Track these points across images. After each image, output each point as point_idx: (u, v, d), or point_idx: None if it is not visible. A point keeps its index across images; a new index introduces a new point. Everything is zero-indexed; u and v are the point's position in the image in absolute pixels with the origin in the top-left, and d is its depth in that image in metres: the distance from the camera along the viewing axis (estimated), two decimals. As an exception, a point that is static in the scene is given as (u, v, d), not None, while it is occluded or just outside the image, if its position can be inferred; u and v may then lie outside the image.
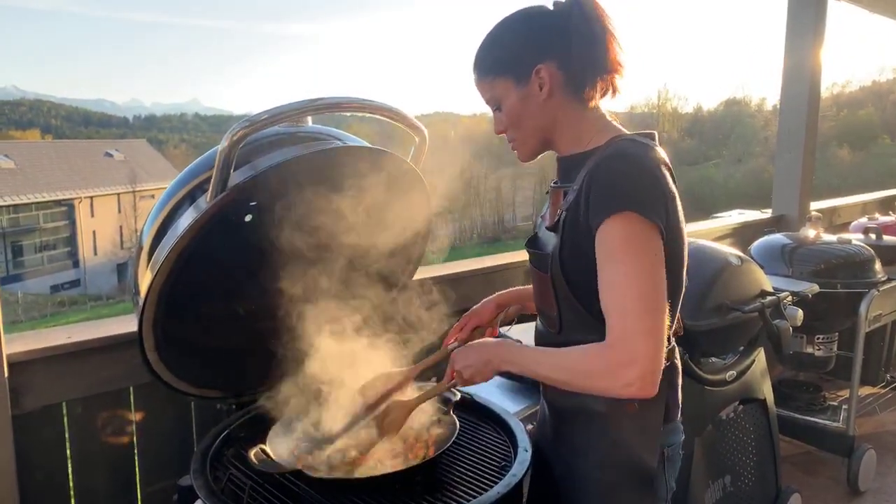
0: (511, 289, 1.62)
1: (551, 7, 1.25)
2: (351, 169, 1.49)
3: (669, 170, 1.20)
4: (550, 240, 1.26)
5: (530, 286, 1.57)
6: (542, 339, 1.36)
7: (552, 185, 1.35)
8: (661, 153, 1.21)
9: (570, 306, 1.23)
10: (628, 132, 1.26)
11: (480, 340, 1.34)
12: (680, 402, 1.33)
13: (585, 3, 1.22)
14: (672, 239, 1.15)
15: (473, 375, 1.28)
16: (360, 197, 1.54)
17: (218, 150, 1.29)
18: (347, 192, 1.52)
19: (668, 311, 1.12)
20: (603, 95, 1.27)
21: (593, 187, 1.14)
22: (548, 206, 1.37)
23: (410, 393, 1.48)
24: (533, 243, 1.36)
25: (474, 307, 1.59)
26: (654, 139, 1.25)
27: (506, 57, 1.25)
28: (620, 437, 1.24)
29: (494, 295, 1.59)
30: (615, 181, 1.13)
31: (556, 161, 1.34)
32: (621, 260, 1.09)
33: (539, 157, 1.34)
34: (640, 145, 1.19)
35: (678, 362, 1.33)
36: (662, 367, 1.09)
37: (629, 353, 1.06)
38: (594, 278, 1.14)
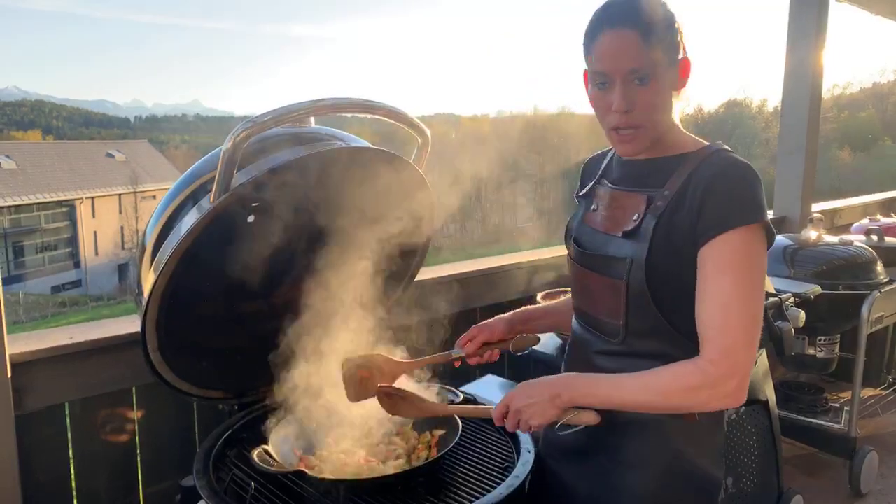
0: (522, 309, 1.57)
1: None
2: (353, 170, 1.49)
3: None
4: (623, 244, 1.20)
5: (539, 307, 1.56)
6: (589, 348, 1.30)
7: (612, 187, 1.29)
8: None
9: (645, 315, 1.18)
10: (706, 142, 1.24)
11: (540, 379, 1.22)
12: None
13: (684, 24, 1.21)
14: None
15: (535, 415, 1.17)
16: (363, 198, 1.54)
17: (221, 151, 1.29)
18: (349, 192, 1.52)
19: None
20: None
21: (713, 196, 1.11)
22: (593, 208, 1.32)
23: (407, 384, 1.46)
24: (581, 245, 1.31)
25: (485, 321, 1.52)
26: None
27: (670, 32, 1.16)
28: (684, 445, 1.20)
29: (507, 314, 1.53)
30: (741, 193, 1.12)
31: (621, 164, 1.30)
32: (735, 274, 1.09)
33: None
34: (739, 156, 1.19)
35: None
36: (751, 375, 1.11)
37: (731, 367, 1.09)
38: (685, 287, 1.13)
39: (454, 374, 1.62)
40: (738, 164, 1.15)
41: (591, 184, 1.37)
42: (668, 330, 1.17)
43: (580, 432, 1.26)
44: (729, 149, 1.22)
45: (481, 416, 1.35)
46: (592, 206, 1.33)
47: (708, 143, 1.23)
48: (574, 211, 1.42)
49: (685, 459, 1.21)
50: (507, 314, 1.54)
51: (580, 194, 1.40)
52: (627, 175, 1.28)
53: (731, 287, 1.09)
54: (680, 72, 1.18)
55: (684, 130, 1.26)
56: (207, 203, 1.32)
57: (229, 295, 1.57)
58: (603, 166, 1.37)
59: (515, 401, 1.20)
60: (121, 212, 35.54)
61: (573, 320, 1.39)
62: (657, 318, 1.17)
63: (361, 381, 1.38)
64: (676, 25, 1.18)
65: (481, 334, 1.48)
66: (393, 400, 1.36)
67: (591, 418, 1.17)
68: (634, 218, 1.19)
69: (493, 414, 1.23)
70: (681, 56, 1.18)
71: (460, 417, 1.48)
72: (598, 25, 1.16)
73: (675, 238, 1.14)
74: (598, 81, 1.17)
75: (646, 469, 1.22)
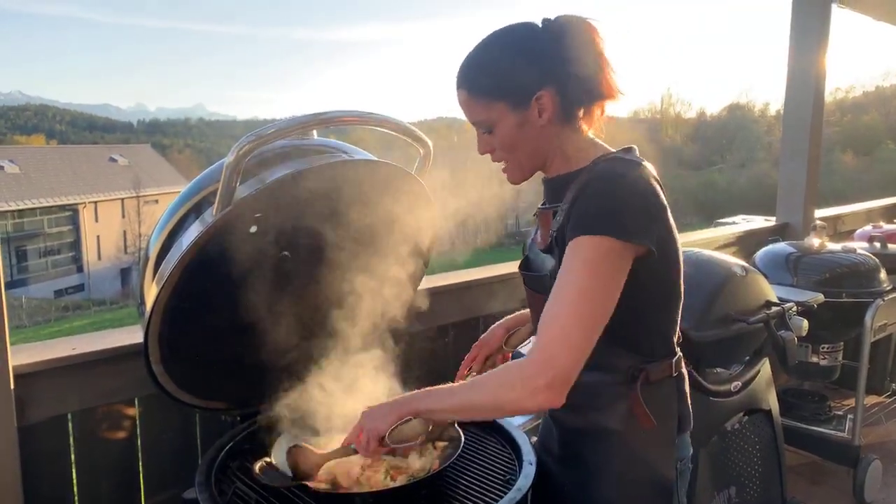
0: (517, 313, 1.60)
1: (540, 25, 1.21)
2: (356, 182, 1.49)
3: (658, 182, 1.19)
4: (546, 261, 1.26)
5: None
6: None
7: (540, 207, 1.34)
8: (649, 168, 1.21)
9: None
10: (613, 150, 1.25)
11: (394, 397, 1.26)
12: (690, 411, 1.33)
13: (577, 26, 1.19)
14: (664, 252, 1.15)
15: (372, 421, 1.21)
16: (365, 209, 1.55)
17: (224, 164, 1.30)
18: (352, 204, 1.52)
19: (666, 322, 1.16)
20: (591, 119, 1.26)
21: (576, 207, 1.14)
22: (537, 228, 1.36)
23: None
24: (526, 266, 1.36)
25: (482, 336, 1.57)
26: (635, 153, 1.24)
27: (505, 81, 1.19)
28: (636, 452, 1.23)
29: (502, 321, 1.57)
30: (597, 203, 1.12)
31: (543, 183, 1.33)
32: (574, 277, 1.09)
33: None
34: (626, 163, 1.18)
35: (685, 371, 1.33)
36: (573, 380, 1.06)
37: (545, 363, 1.05)
38: None
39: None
40: (605, 175, 1.15)
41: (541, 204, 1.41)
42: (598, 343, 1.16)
43: (555, 438, 1.35)
44: (625, 156, 1.21)
45: (347, 455, 1.33)
46: (538, 226, 1.38)
47: (608, 152, 1.24)
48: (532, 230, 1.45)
49: (638, 464, 1.23)
50: (502, 320, 1.58)
51: (534, 214, 1.43)
52: (546, 193, 1.32)
53: (567, 288, 1.08)
54: (538, 108, 1.19)
55: (596, 142, 1.26)
56: (210, 216, 1.32)
57: (232, 306, 1.57)
58: None
59: (363, 415, 1.24)
60: (123, 216, 35.63)
61: None
62: None
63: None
64: (529, 64, 1.18)
65: (481, 351, 1.53)
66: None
67: (416, 427, 1.19)
68: (550, 234, 1.23)
69: (353, 444, 1.26)
70: (537, 92, 1.18)
71: (461, 430, 1.49)
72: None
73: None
74: None
75: (602, 475, 1.26)
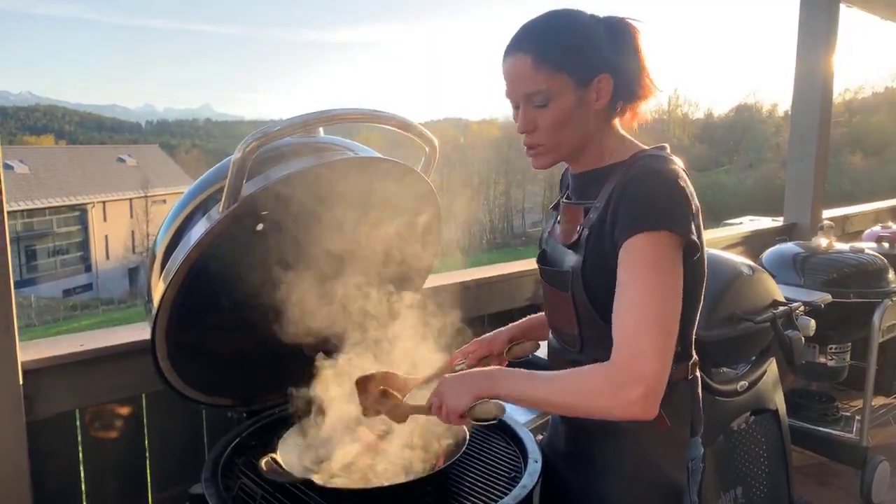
0: (522, 320, 1.57)
1: (599, 18, 1.21)
2: (362, 179, 1.50)
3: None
4: (568, 257, 1.23)
5: (540, 315, 1.55)
6: (559, 357, 1.33)
7: (564, 200, 1.33)
8: (682, 166, 1.20)
9: (593, 324, 1.20)
10: (646, 147, 1.24)
11: (470, 370, 1.24)
12: (702, 414, 1.32)
13: (623, 24, 1.21)
14: (700, 253, 1.15)
15: (450, 398, 1.18)
16: (371, 207, 1.55)
17: (231, 161, 1.30)
18: (358, 202, 1.53)
19: (685, 324, 1.12)
20: (623, 117, 1.26)
21: (623, 204, 1.11)
22: (555, 221, 1.35)
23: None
24: (544, 260, 1.34)
25: (484, 335, 1.53)
26: (667, 150, 1.24)
27: (574, 54, 1.16)
28: (648, 453, 1.21)
29: (507, 327, 1.54)
30: (647, 198, 1.10)
31: (571, 177, 1.32)
32: (639, 277, 1.07)
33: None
34: (664, 160, 1.17)
35: (699, 374, 1.32)
36: (664, 388, 1.06)
37: (636, 373, 1.04)
38: None
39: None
40: (649, 171, 1.14)
41: (560, 197, 1.39)
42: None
43: (564, 436, 1.35)
44: (661, 154, 1.20)
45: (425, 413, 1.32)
46: (557, 219, 1.35)
47: (643, 149, 1.23)
48: (546, 223, 1.43)
49: (649, 465, 1.22)
50: (506, 327, 1.55)
51: (551, 206, 1.42)
52: (574, 188, 1.30)
53: (639, 291, 1.07)
54: (596, 91, 1.18)
55: (628, 138, 1.26)
56: (217, 213, 1.33)
57: (239, 303, 1.58)
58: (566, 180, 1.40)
59: (441, 385, 1.22)
60: (132, 216, 35.85)
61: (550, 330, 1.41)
62: (604, 327, 1.16)
63: (374, 397, 1.38)
64: (595, 43, 1.17)
65: (480, 349, 1.50)
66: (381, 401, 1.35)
67: (492, 410, 1.16)
68: (577, 230, 1.22)
69: (429, 408, 1.24)
70: (599, 74, 1.17)
71: (466, 427, 1.49)
72: (504, 50, 1.20)
73: (603, 248, 1.15)
74: (511, 104, 1.22)
75: (612, 474, 1.25)
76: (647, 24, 1.21)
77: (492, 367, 1.25)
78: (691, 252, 1.13)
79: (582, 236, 1.20)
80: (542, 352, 1.73)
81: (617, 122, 1.26)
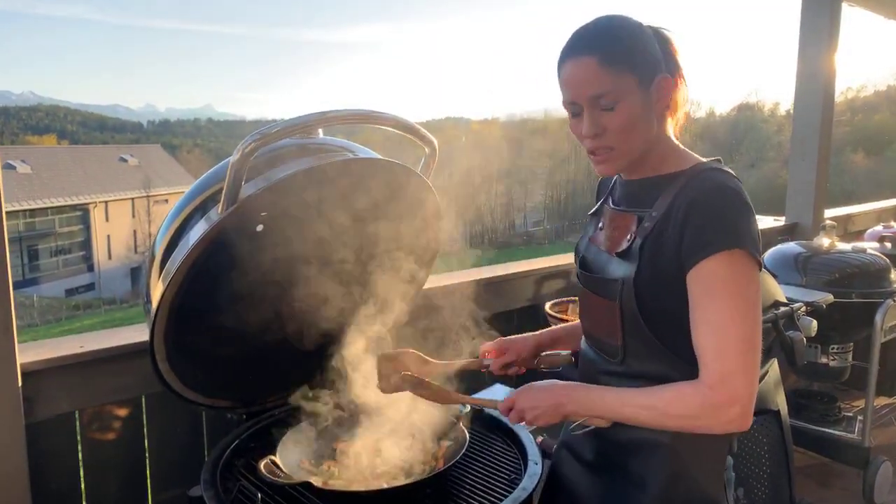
0: (552, 328, 1.57)
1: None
2: (361, 180, 1.49)
3: None
4: (617, 265, 1.22)
5: (566, 326, 1.56)
6: (594, 368, 1.31)
7: (612, 207, 1.30)
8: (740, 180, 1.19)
9: (640, 336, 1.18)
10: (704, 159, 1.23)
11: (547, 382, 1.25)
12: None
13: (663, 34, 1.22)
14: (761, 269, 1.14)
15: (538, 418, 1.21)
16: (371, 208, 1.55)
17: (229, 163, 1.30)
18: (358, 203, 1.52)
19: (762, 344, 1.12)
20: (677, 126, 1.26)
21: (693, 219, 1.11)
22: (599, 227, 1.32)
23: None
24: (586, 266, 1.32)
25: (512, 337, 1.52)
26: (723, 164, 1.23)
27: (638, 53, 1.15)
28: (684, 468, 1.20)
29: (535, 333, 1.53)
30: (723, 216, 1.10)
31: (620, 184, 1.30)
32: (724, 298, 1.08)
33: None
34: (728, 176, 1.16)
35: None
36: (755, 401, 1.09)
37: (730, 393, 1.07)
38: (676, 309, 1.13)
39: (461, 379, 1.61)
40: (722, 187, 1.13)
41: (600, 203, 1.37)
42: (665, 353, 1.16)
43: (589, 447, 1.32)
44: (722, 168, 1.19)
45: (488, 407, 1.41)
46: (599, 225, 1.34)
47: (701, 161, 1.22)
48: (584, 229, 1.42)
49: (684, 481, 1.20)
50: (534, 333, 1.53)
51: (591, 212, 1.41)
52: (625, 195, 1.28)
53: (721, 311, 1.08)
54: (657, 91, 1.17)
55: (681, 147, 1.25)
56: (216, 214, 1.32)
57: (238, 304, 1.57)
58: (611, 186, 1.37)
59: (520, 401, 1.24)
60: (133, 216, 35.87)
61: (582, 339, 1.39)
62: (652, 340, 1.17)
63: (393, 374, 1.39)
64: (651, 45, 1.18)
65: (507, 354, 1.48)
66: (412, 383, 1.38)
67: (600, 421, 1.20)
68: (627, 238, 1.20)
69: (499, 407, 1.28)
70: (659, 74, 1.17)
71: (466, 428, 1.49)
72: (562, 56, 1.18)
73: (661, 260, 1.14)
74: (570, 110, 1.20)
75: (645, 488, 1.22)
76: (681, 35, 1.22)
77: (574, 384, 1.25)
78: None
79: (634, 245, 1.18)
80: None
81: (671, 129, 1.25)
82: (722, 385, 1.07)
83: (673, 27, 1.24)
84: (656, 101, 1.17)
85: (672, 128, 1.25)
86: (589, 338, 1.35)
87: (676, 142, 1.26)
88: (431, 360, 1.47)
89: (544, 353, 1.51)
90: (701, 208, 1.11)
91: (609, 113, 1.15)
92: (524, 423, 1.25)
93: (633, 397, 1.16)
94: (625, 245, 1.20)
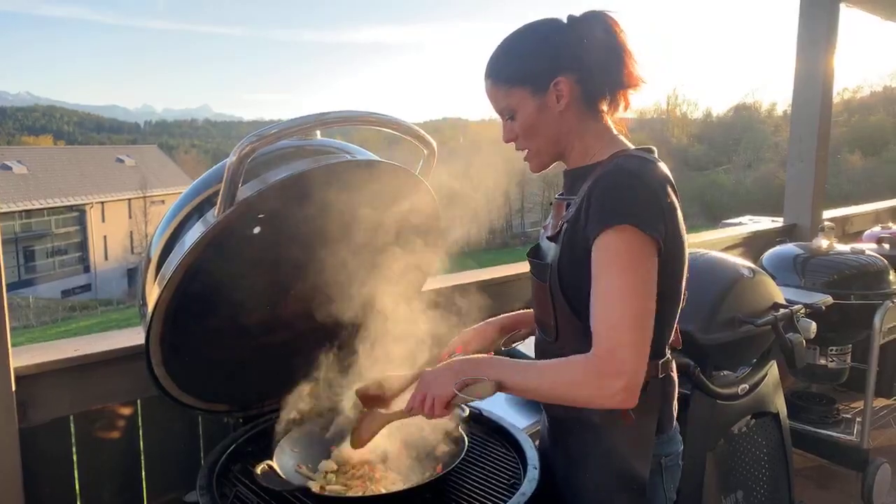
0: (514, 312, 1.61)
1: (565, 21, 1.27)
2: (359, 182, 1.48)
3: (671, 184, 1.21)
4: (551, 250, 1.28)
5: (528, 310, 1.57)
6: (539, 348, 1.38)
7: (557, 196, 1.37)
8: (663, 168, 1.23)
9: (567, 316, 1.24)
10: (632, 147, 1.28)
11: (451, 359, 1.28)
12: (675, 413, 1.35)
13: (600, 19, 1.24)
14: (670, 252, 1.17)
15: (436, 387, 1.21)
16: (369, 209, 1.54)
17: (226, 165, 1.29)
18: (355, 205, 1.51)
19: (657, 323, 1.14)
20: (616, 110, 1.29)
21: (593, 200, 1.16)
22: (551, 216, 1.38)
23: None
24: (535, 253, 1.38)
25: (476, 325, 1.57)
26: (653, 153, 1.27)
27: (524, 67, 1.25)
28: (614, 447, 1.26)
29: (498, 317, 1.58)
30: (614, 195, 1.15)
31: (563, 174, 1.36)
32: (615, 273, 1.12)
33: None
34: (641, 160, 1.21)
35: (674, 375, 1.35)
36: (643, 379, 1.11)
37: (617, 367, 1.09)
38: (589, 289, 1.16)
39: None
40: (619, 169, 1.18)
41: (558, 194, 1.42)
42: (588, 331, 1.17)
43: (548, 430, 1.40)
44: (643, 155, 1.23)
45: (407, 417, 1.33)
46: (551, 215, 1.39)
47: (626, 149, 1.26)
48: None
49: (615, 458, 1.25)
50: (497, 317, 1.59)
51: (550, 203, 1.45)
52: (565, 184, 1.35)
53: (613, 285, 1.11)
54: (556, 93, 1.23)
55: (615, 136, 1.29)
56: (212, 216, 1.31)
57: (234, 308, 1.56)
58: None
59: (425, 377, 1.26)
60: (130, 216, 35.78)
61: None
62: (575, 320, 1.22)
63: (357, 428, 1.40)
64: (550, 51, 1.23)
65: (473, 342, 1.53)
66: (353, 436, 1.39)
67: (484, 390, 1.18)
68: (557, 224, 1.27)
69: (413, 406, 1.26)
70: (557, 77, 1.22)
71: (465, 432, 1.48)
72: None
73: (575, 241, 1.19)
74: None
75: (583, 465, 1.30)
76: (623, 14, 1.24)
77: (476, 355, 1.29)
78: (659, 251, 1.15)
79: (562, 230, 1.24)
80: (524, 346, 1.73)
81: (607, 119, 1.30)
82: (610, 356, 1.09)
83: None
84: (556, 102, 1.24)
85: (605, 116, 1.29)
86: (536, 320, 1.41)
87: (615, 132, 1.30)
88: (399, 377, 1.42)
89: (509, 336, 1.57)
90: (598, 189, 1.16)
91: (513, 122, 1.28)
92: (428, 404, 1.22)
93: (530, 367, 1.20)
94: (556, 231, 1.26)
